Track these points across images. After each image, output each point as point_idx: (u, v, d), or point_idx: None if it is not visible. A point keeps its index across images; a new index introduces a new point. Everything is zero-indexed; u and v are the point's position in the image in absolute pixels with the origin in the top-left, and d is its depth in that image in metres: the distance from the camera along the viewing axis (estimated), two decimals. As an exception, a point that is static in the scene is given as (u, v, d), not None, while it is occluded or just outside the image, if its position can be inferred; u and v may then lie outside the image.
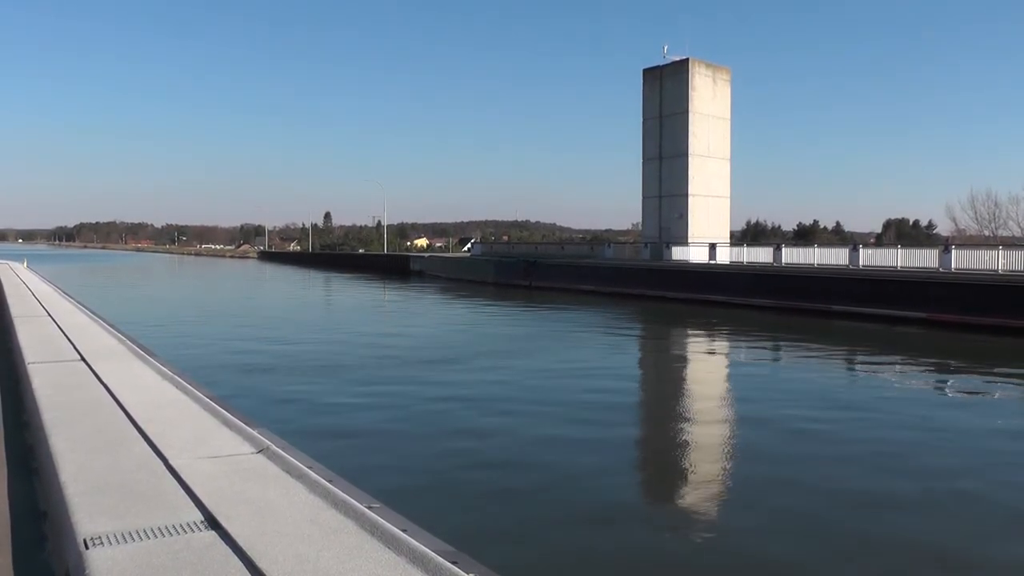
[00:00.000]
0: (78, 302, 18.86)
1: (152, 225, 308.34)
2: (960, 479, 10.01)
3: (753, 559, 7.36)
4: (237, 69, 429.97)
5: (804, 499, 9.18)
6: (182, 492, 4.39)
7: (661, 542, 7.91)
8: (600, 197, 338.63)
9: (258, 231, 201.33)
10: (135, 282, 62.98)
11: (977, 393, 16.70)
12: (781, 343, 25.16)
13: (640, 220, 54.55)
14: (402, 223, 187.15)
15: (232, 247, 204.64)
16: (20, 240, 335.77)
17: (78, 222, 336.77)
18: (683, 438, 12.59)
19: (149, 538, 3.69)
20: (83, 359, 9.25)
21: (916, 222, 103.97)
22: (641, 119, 51.97)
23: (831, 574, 7.15)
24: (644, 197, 52.08)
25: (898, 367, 20.05)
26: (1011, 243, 50.10)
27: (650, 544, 7.81)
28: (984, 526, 8.31)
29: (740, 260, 43.55)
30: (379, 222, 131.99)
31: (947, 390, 17.47)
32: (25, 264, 41.48)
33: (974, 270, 31.06)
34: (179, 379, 8.04)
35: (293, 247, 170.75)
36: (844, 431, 12.63)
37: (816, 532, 8.12)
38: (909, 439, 12.25)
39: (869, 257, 36.48)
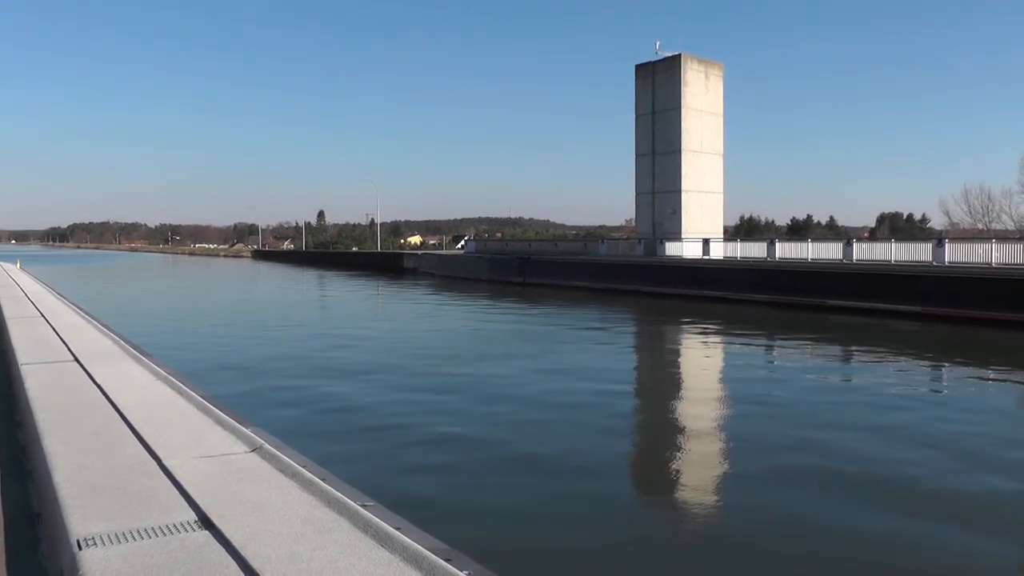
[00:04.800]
0: (72, 303, 18.82)
1: (146, 225, 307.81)
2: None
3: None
4: (229, 69, 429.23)
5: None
6: (176, 492, 4.39)
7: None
8: (593, 194, 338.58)
9: (252, 230, 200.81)
10: (133, 283, 62.84)
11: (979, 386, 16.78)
12: (776, 339, 25.23)
13: (634, 216, 54.66)
14: (396, 221, 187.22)
15: (226, 246, 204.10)
16: (13, 241, 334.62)
17: (71, 222, 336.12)
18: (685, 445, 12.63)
19: (143, 538, 3.69)
20: (77, 360, 9.23)
21: (910, 216, 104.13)
22: (634, 115, 52.02)
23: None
24: (637, 193, 52.13)
25: (893, 362, 20.14)
26: (1004, 236, 50.34)
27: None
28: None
29: (734, 255, 43.65)
30: (372, 220, 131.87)
31: (943, 388, 17.54)
32: (18, 265, 41.38)
33: (968, 264, 31.18)
34: (173, 379, 8.03)
35: (287, 246, 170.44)
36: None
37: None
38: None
39: (863, 251, 36.61)
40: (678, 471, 10.56)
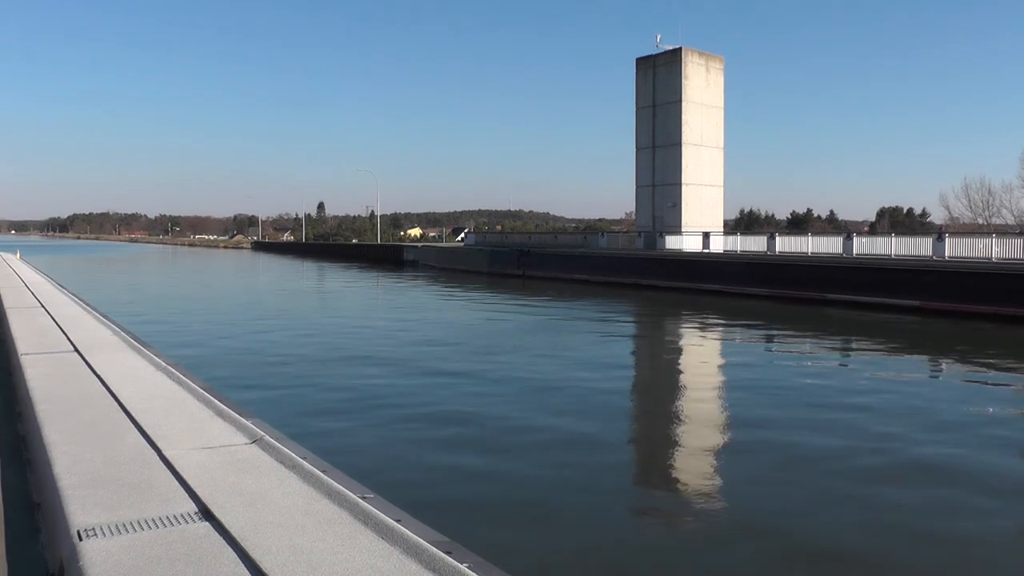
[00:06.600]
0: (72, 293, 18.80)
1: (145, 216, 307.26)
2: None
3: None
4: (229, 59, 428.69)
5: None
6: (176, 483, 4.39)
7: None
8: (593, 186, 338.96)
9: (251, 221, 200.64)
10: (136, 275, 62.78)
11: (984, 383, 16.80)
12: (774, 334, 25.21)
13: (634, 209, 54.58)
14: (396, 213, 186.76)
15: (225, 238, 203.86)
16: (13, 231, 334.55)
17: (71, 213, 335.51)
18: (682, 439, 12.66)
19: (143, 529, 3.69)
20: (77, 350, 9.22)
21: (910, 210, 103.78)
22: (634, 108, 51.90)
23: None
24: (637, 186, 52.04)
25: (892, 357, 20.13)
26: (1004, 231, 50.25)
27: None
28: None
29: (734, 249, 43.61)
30: (372, 212, 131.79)
31: (943, 382, 17.56)
32: (18, 255, 41.33)
33: (968, 258, 31.13)
34: (173, 370, 8.02)
35: (286, 237, 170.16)
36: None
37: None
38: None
39: (863, 245, 36.58)
40: (677, 440, 10.63)
